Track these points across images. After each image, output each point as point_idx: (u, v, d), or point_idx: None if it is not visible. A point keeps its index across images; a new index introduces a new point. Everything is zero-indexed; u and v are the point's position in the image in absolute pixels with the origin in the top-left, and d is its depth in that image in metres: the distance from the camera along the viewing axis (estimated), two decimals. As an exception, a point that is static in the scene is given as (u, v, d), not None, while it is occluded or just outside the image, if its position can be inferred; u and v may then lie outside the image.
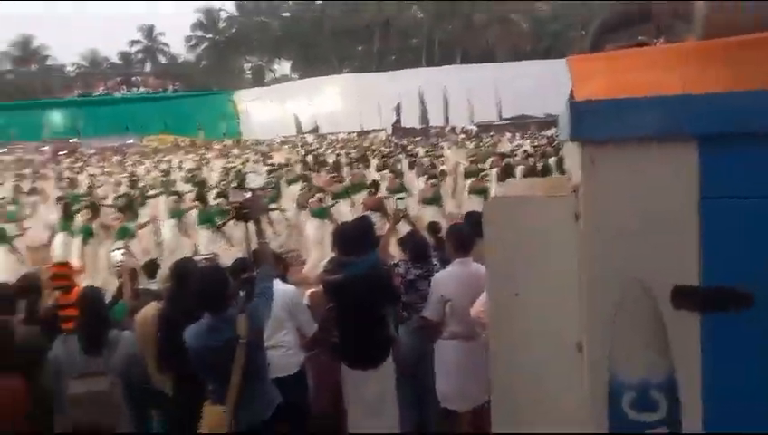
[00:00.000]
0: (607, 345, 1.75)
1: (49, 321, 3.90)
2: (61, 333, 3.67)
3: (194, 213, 10.16)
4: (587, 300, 1.80)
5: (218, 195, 10.64)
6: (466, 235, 4.25)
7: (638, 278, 1.74)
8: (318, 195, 10.20)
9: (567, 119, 1.78)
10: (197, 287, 3.15)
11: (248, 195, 3.69)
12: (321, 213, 9.85)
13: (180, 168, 19.47)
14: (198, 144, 34.40)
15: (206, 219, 9.53)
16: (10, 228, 9.52)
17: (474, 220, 4.73)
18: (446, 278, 4.16)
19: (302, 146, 26.31)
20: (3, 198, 12.39)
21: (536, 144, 21.49)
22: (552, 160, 13.77)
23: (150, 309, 4.19)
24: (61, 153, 32.76)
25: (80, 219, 9.28)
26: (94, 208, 9.89)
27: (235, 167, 17.98)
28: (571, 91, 2.02)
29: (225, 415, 2.97)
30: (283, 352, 4.06)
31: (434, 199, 10.53)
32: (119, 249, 5.14)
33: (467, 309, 3.78)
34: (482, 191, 11.04)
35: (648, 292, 1.73)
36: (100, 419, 3.42)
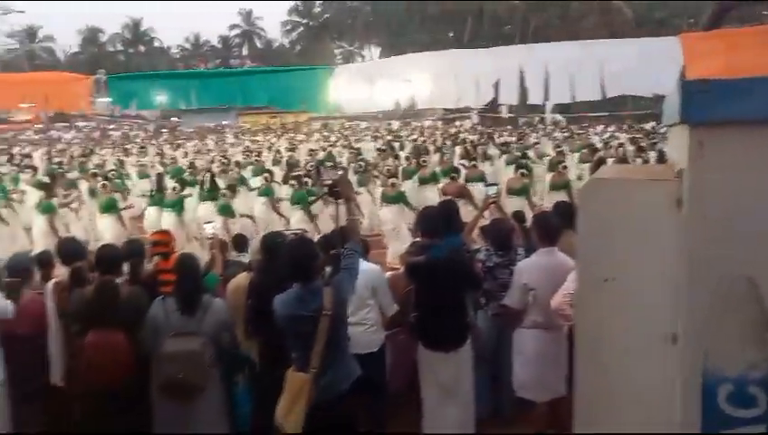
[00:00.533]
0: (705, 337, 1.66)
1: (149, 284, 4.17)
2: (159, 296, 3.91)
3: (287, 193, 10.44)
4: (687, 290, 1.71)
5: (306, 175, 10.88)
6: (553, 224, 4.15)
7: (743, 270, 1.63)
8: (391, 180, 10.18)
9: (676, 99, 1.69)
10: (287, 258, 3.26)
11: (340, 173, 3.76)
12: (396, 198, 9.87)
13: (269, 148, 20.10)
14: (288, 127, 35.50)
15: (300, 199, 9.76)
16: (118, 199, 10.25)
17: (562, 210, 4.62)
18: (531, 267, 4.08)
19: (388, 133, 26.45)
20: (112, 171, 13.30)
21: (633, 136, 20.39)
22: (651, 156, 12.99)
23: (241, 279, 4.40)
24: (162, 130, 34.90)
25: (172, 193, 9.81)
26: (184, 183, 10.48)
27: (323, 150, 18.37)
28: (683, 70, 1.91)
29: (309, 382, 3.07)
30: (365, 329, 4.13)
31: (522, 190, 10.22)
32: (209, 222, 5.37)
33: (550, 299, 3.71)
34: (563, 186, 10.50)
35: (753, 284, 1.62)
36: (191, 376, 3.60)
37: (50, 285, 4.14)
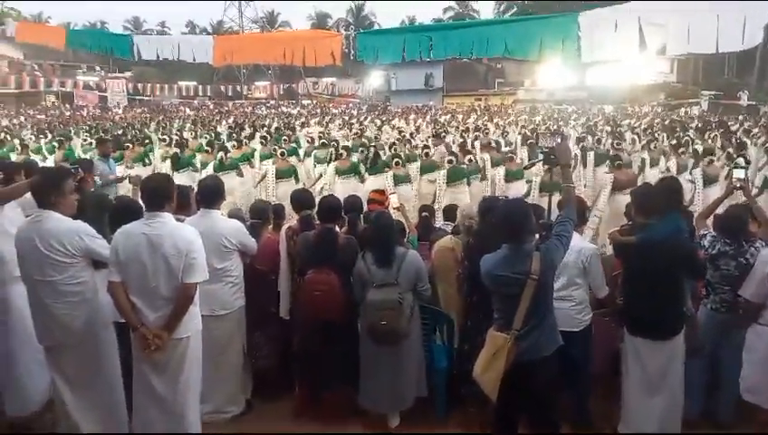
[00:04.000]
0: None
1: (362, 236, 4.52)
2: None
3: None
4: None
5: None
6: None
7: None
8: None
9: None
10: (500, 217, 3.27)
11: (559, 140, 3.69)
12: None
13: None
14: (493, 111, 35.16)
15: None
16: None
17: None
18: None
19: (596, 120, 24.74)
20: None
21: None
22: None
23: (446, 241, 4.59)
24: (375, 111, 37.06)
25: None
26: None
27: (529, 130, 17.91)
28: None
29: (509, 342, 3.10)
30: (570, 306, 4.01)
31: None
32: (393, 193, 5.66)
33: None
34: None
35: None
36: (393, 323, 3.90)
37: (283, 229, 4.69)
